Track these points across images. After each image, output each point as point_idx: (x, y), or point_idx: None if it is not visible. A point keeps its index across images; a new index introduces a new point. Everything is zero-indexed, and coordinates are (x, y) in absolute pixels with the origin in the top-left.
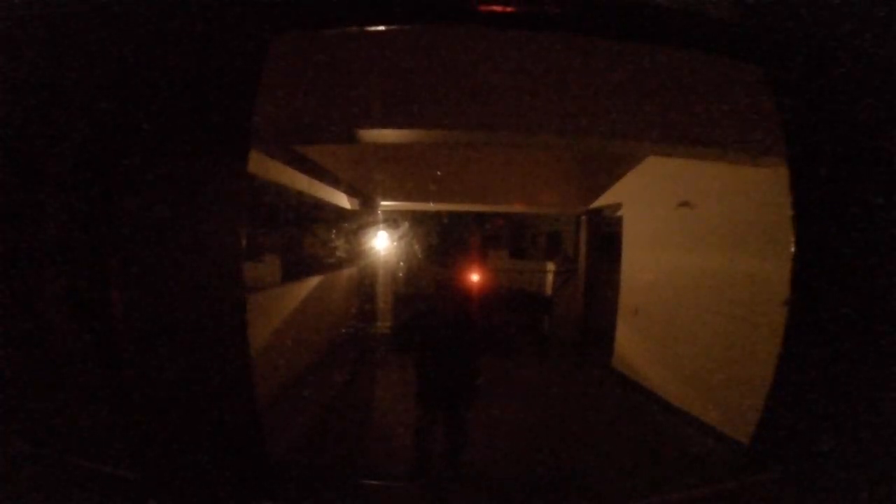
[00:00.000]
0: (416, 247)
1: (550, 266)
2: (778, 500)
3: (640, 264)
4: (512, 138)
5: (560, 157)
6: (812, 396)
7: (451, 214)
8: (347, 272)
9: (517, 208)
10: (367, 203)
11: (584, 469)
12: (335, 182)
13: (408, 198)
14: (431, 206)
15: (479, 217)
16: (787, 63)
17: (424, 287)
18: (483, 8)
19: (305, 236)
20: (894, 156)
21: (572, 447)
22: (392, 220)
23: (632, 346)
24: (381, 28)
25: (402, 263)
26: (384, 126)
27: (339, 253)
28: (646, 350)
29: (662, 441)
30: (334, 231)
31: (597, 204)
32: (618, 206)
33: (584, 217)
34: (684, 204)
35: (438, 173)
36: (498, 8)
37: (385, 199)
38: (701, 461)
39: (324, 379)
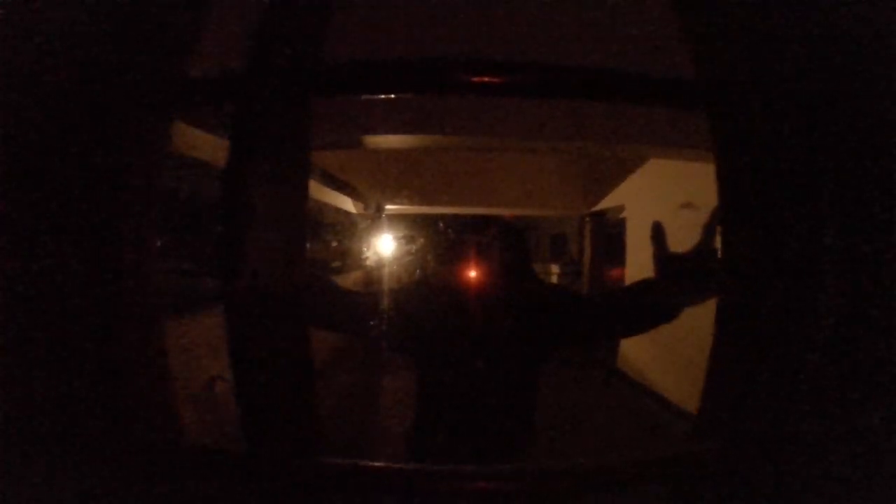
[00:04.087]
0: (421, 250)
1: (555, 268)
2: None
3: (644, 266)
4: (515, 143)
5: (563, 161)
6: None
7: (455, 217)
8: (353, 276)
9: (521, 211)
10: (372, 207)
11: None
12: (341, 187)
13: (412, 202)
14: (436, 210)
15: (483, 220)
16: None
17: (428, 289)
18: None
19: (310, 240)
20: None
21: (558, 431)
22: (397, 223)
23: (637, 347)
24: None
25: (406, 267)
26: (389, 132)
27: (344, 257)
28: (651, 351)
29: (646, 426)
30: (339, 235)
31: (600, 206)
32: (621, 209)
33: (587, 219)
34: (687, 205)
35: (442, 178)
36: (484, 79)
37: (390, 203)
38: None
39: (329, 381)
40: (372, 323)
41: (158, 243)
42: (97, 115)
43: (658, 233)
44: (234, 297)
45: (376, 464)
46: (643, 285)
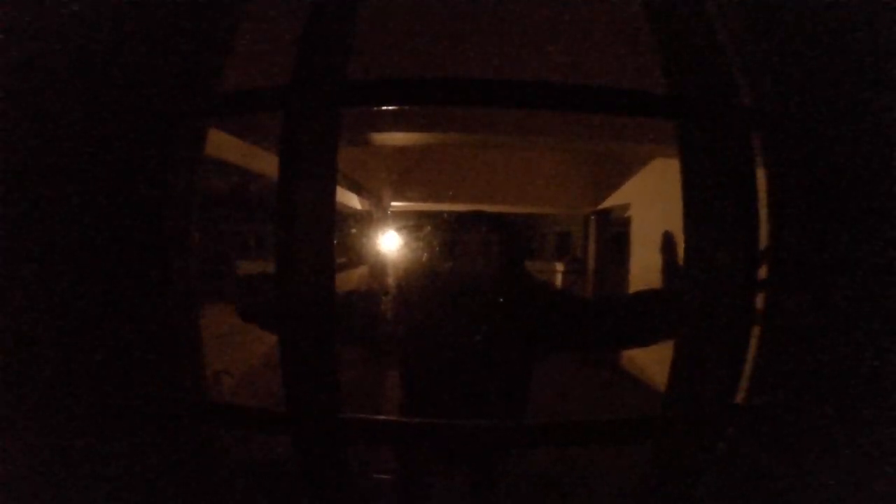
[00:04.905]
0: (426, 246)
1: (559, 266)
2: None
3: (648, 264)
4: (521, 141)
5: (569, 159)
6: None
7: (445, 214)
8: (358, 272)
9: (526, 209)
10: (378, 204)
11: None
12: (347, 184)
13: (418, 199)
14: (441, 207)
15: (474, 216)
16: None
17: (432, 286)
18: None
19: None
20: None
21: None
22: (402, 220)
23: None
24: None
25: (404, 263)
26: (396, 130)
27: (349, 253)
28: (655, 350)
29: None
30: (345, 232)
31: (606, 204)
32: (626, 207)
33: (593, 217)
34: None
35: (448, 175)
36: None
37: (395, 200)
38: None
39: (348, 356)
40: (370, 324)
41: (197, 238)
42: (143, 122)
43: (669, 243)
44: (280, 288)
45: (386, 418)
46: (647, 296)
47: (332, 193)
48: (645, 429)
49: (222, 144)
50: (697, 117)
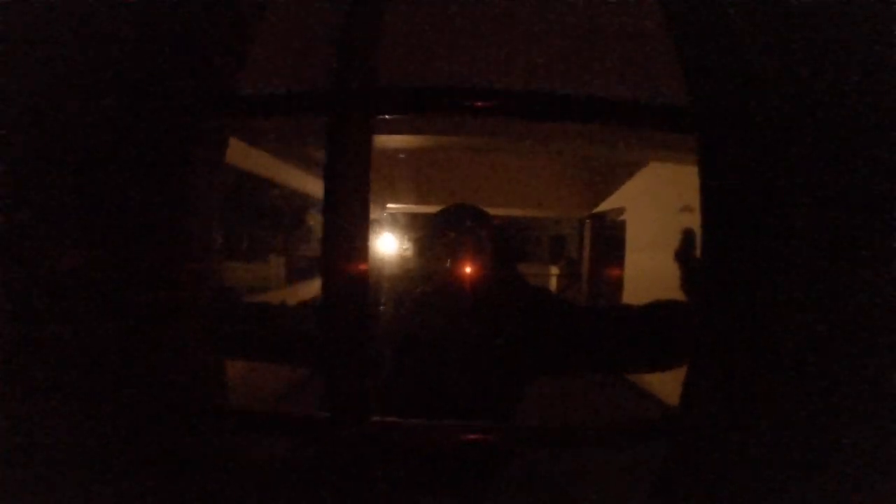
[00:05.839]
0: (421, 248)
1: (554, 270)
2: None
3: (643, 268)
4: (516, 144)
5: (564, 163)
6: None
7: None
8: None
9: (521, 212)
10: (375, 207)
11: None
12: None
13: (414, 201)
14: (437, 210)
15: (459, 214)
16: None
17: (427, 289)
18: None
19: (311, 238)
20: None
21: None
22: (397, 222)
23: None
24: None
25: (405, 264)
26: (393, 133)
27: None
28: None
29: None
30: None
31: (600, 208)
32: (621, 211)
33: (587, 221)
34: (686, 209)
35: (444, 178)
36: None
37: (391, 202)
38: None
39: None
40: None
41: (220, 241)
42: (166, 125)
43: (688, 247)
44: (326, 300)
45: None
46: (662, 309)
47: (367, 200)
48: (654, 434)
49: (244, 154)
50: (718, 130)
